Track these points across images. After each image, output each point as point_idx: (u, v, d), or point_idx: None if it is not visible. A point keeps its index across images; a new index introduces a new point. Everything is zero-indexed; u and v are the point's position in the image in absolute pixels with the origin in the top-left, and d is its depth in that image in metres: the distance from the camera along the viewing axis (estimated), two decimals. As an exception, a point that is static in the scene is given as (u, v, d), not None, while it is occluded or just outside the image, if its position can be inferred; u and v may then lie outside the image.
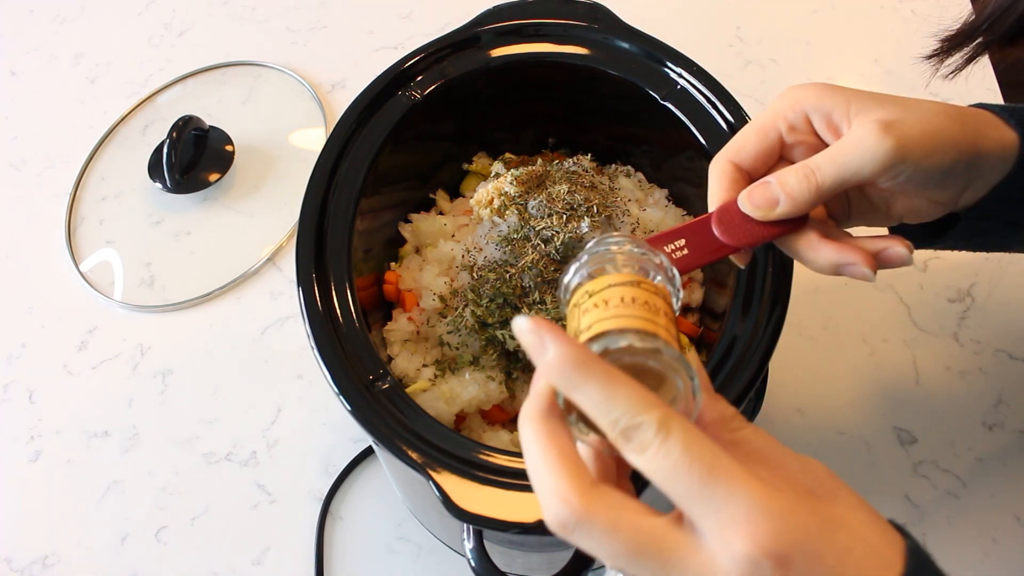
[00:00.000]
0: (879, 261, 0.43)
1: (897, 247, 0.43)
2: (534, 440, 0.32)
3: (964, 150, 0.42)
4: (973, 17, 0.45)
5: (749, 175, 0.46)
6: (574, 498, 0.31)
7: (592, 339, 0.34)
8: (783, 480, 0.32)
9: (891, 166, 0.41)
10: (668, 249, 0.45)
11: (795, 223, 0.44)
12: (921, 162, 0.41)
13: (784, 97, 0.45)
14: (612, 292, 0.35)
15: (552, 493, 0.31)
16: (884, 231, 0.49)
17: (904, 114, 0.42)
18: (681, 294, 0.38)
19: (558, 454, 0.32)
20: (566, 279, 0.37)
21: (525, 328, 0.31)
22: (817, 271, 0.44)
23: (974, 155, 0.43)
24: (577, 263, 0.37)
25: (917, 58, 0.48)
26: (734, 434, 0.34)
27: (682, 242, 0.45)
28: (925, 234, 0.50)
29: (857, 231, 0.46)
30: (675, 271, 0.38)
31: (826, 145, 0.44)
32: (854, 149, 0.41)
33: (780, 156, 0.46)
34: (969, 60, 0.47)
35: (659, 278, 0.37)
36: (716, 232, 0.44)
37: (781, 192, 0.42)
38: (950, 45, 0.47)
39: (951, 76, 0.48)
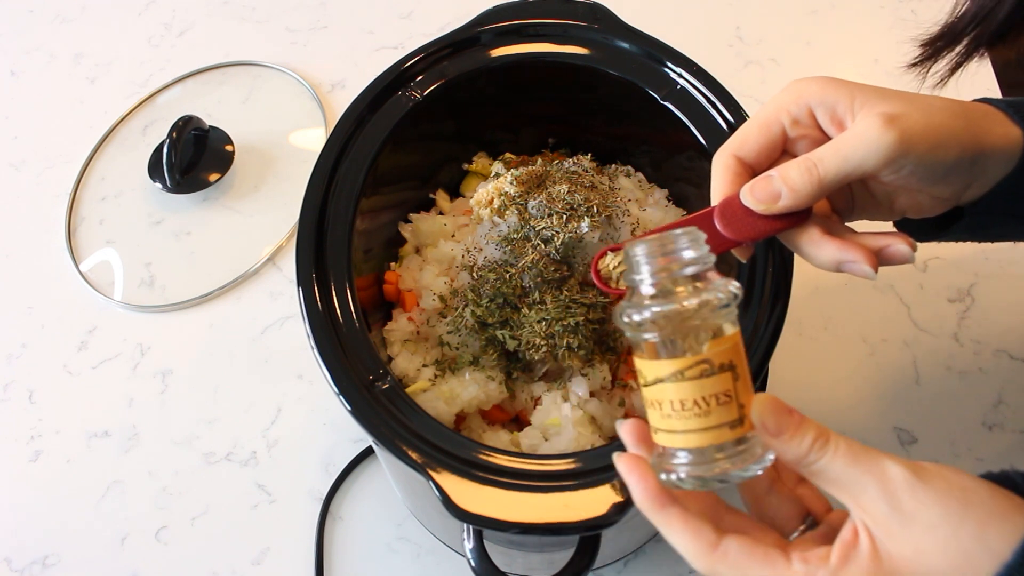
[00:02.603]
0: (881, 258, 0.43)
1: (899, 245, 0.43)
2: (660, 524, 0.39)
3: (968, 147, 0.42)
4: (954, 18, 0.44)
5: (752, 169, 0.45)
6: (701, 559, 0.38)
7: (664, 453, 0.38)
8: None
9: (894, 160, 0.40)
10: None
11: (798, 217, 0.43)
12: (924, 157, 0.41)
13: (788, 91, 0.44)
14: (676, 393, 0.37)
15: (689, 556, 0.38)
16: (887, 226, 0.49)
17: (908, 108, 0.41)
18: (740, 296, 0.37)
19: (682, 530, 0.38)
20: (630, 317, 0.37)
21: (616, 463, 0.40)
22: (819, 267, 0.44)
23: (978, 152, 0.42)
24: (637, 276, 0.37)
25: (901, 66, 0.48)
26: (810, 467, 0.37)
27: None
28: (928, 228, 0.50)
29: (860, 226, 0.46)
30: (739, 291, 0.37)
31: (829, 139, 0.43)
32: (857, 142, 0.41)
33: (783, 150, 0.46)
34: (957, 66, 0.46)
35: (719, 295, 0.36)
36: (718, 226, 0.44)
37: (783, 186, 0.42)
38: (934, 50, 0.46)
39: (939, 85, 0.47)
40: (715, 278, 0.37)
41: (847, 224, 0.47)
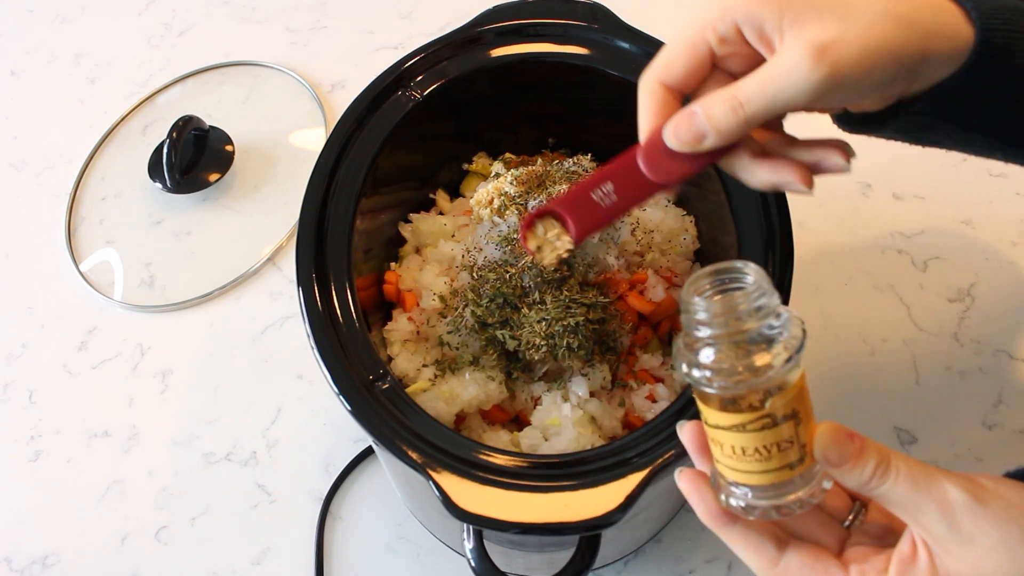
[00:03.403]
0: (817, 171, 0.42)
1: (834, 157, 0.41)
2: (724, 539, 0.41)
3: (907, 60, 0.39)
4: None
5: (681, 92, 0.43)
6: (763, 573, 0.40)
7: (730, 483, 0.38)
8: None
9: (824, 95, 0.38)
10: (596, 196, 0.42)
11: (726, 150, 0.41)
12: (857, 83, 0.38)
13: (712, 5, 0.41)
14: (737, 440, 0.36)
15: (753, 569, 0.40)
16: (825, 132, 0.46)
17: (842, 30, 0.38)
18: (805, 344, 0.35)
19: (744, 546, 0.40)
20: (689, 372, 0.36)
21: (677, 481, 0.41)
22: (755, 188, 0.43)
23: (919, 62, 0.40)
24: (703, 339, 0.35)
25: None
26: (871, 492, 0.37)
27: (610, 186, 0.43)
28: (867, 121, 0.46)
29: (800, 125, 0.44)
30: (805, 335, 0.36)
31: (759, 55, 0.41)
32: (784, 79, 0.38)
33: (713, 66, 0.43)
34: None
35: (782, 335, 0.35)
36: (644, 169, 0.42)
37: (708, 125, 0.40)
38: None
39: None
40: (782, 313, 0.35)
41: (783, 137, 0.44)
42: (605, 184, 0.43)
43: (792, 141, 0.43)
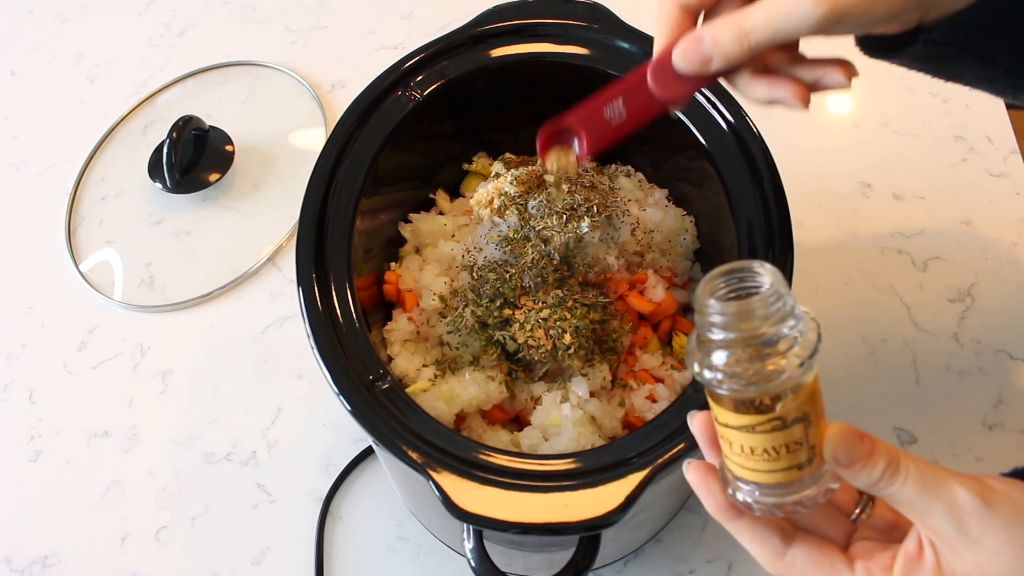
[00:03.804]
0: (816, 88, 0.43)
1: (834, 74, 0.42)
2: (731, 531, 0.41)
3: None
4: None
5: (697, 11, 0.44)
6: (770, 566, 0.40)
7: (738, 478, 0.39)
8: None
9: (826, 28, 0.39)
10: (607, 115, 0.44)
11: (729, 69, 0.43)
12: (860, 18, 0.39)
13: None
14: (746, 440, 0.36)
15: (760, 561, 0.41)
16: (831, 50, 0.46)
17: None
18: (819, 347, 0.35)
19: (750, 539, 0.40)
20: (700, 372, 0.36)
21: (685, 473, 0.42)
22: (752, 102, 0.44)
23: None
24: (716, 342, 0.35)
25: None
26: (879, 492, 0.37)
27: (620, 102, 0.45)
28: (884, 47, 0.46)
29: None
30: (821, 339, 0.35)
31: None
32: (788, 13, 0.39)
33: None
34: None
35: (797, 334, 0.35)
36: (652, 86, 0.44)
37: (714, 51, 0.41)
38: None
39: None
40: (798, 314, 0.35)
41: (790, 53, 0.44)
42: (617, 101, 0.45)
43: (797, 59, 0.44)
